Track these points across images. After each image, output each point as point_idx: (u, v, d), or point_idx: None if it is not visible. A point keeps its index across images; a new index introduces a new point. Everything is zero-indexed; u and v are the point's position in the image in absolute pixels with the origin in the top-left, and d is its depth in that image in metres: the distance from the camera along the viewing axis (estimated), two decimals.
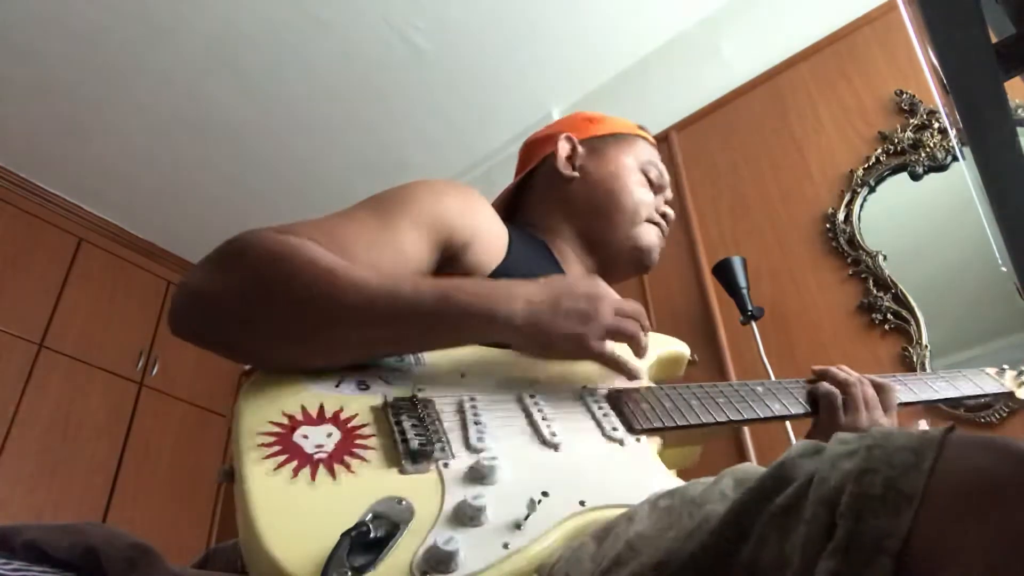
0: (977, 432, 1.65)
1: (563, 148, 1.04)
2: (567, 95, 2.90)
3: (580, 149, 1.05)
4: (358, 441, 0.58)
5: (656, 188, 1.06)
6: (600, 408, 0.71)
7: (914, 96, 2.12)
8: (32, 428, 2.80)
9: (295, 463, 0.54)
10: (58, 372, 2.97)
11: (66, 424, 2.91)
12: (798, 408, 0.81)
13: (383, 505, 0.51)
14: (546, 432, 0.64)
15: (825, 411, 0.81)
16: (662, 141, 2.66)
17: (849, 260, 2.06)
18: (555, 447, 0.63)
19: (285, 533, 0.49)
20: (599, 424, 0.69)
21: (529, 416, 0.67)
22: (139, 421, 3.17)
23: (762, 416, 0.76)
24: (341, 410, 0.61)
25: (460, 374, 0.71)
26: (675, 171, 2.58)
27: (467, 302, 0.66)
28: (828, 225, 2.14)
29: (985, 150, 0.49)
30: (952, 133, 1.86)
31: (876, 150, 2.13)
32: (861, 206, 2.12)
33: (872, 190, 2.13)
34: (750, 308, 1.97)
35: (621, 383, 0.76)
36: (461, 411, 0.65)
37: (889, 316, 1.91)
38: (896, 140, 2.10)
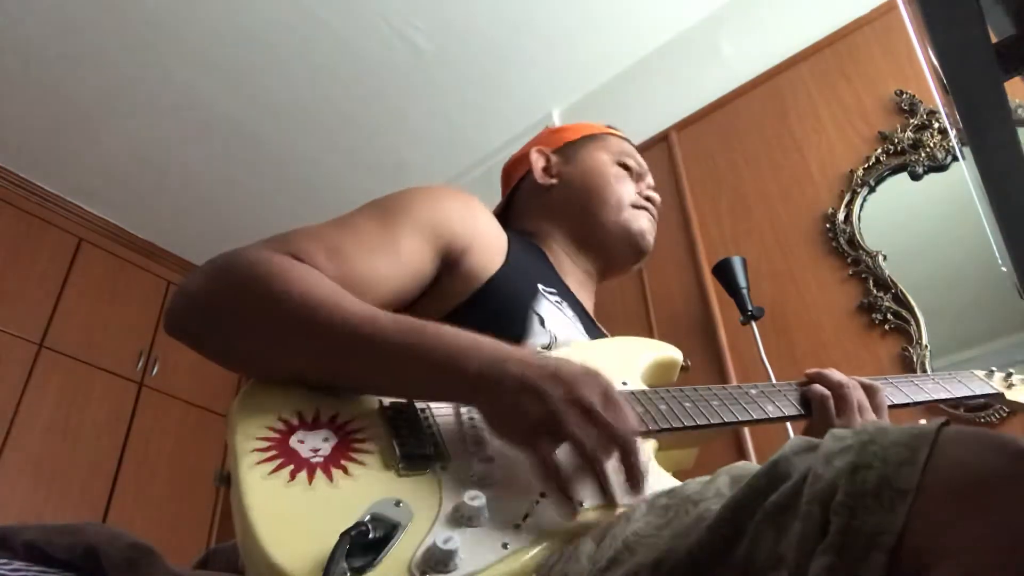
0: None
1: (537, 161, 1.07)
2: (567, 95, 2.90)
3: (554, 158, 1.08)
4: (355, 445, 0.58)
5: (636, 176, 1.07)
6: None
7: (914, 96, 2.12)
8: (32, 428, 2.80)
9: (291, 467, 0.54)
10: (58, 372, 2.97)
11: (66, 424, 2.91)
12: (791, 410, 0.82)
13: (381, 507, 0.51)
14: None
15: (818, 413, 0.82)
16: (662, 141, 2.66)
17: (849, 260, 2.06)
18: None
19: (283, 535, 0.49)
20: None
21: None
22: (139, 421, 3.17)
23: (755, 418, 0.77)
24: (337, 415, 0.61)
25: None
26: (675, 171, 2.58)
27: (431, 344, 0.59)
28: (828, 225, 2.14)
29: (985, 150, 0.49)
30: (952, 133, 1.86)
31: (876, 150, 2.13)
32: (861, 206, 2.11)
33: (872, 190, 2.13)
34: (750, 308, 1.97)
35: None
36: (458, 415, 0.65)
37: (889, 316, 1.91)
38: (896, 140, 2.10)
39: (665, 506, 0.48)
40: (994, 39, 0.46)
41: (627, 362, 0.83)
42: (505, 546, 0.51)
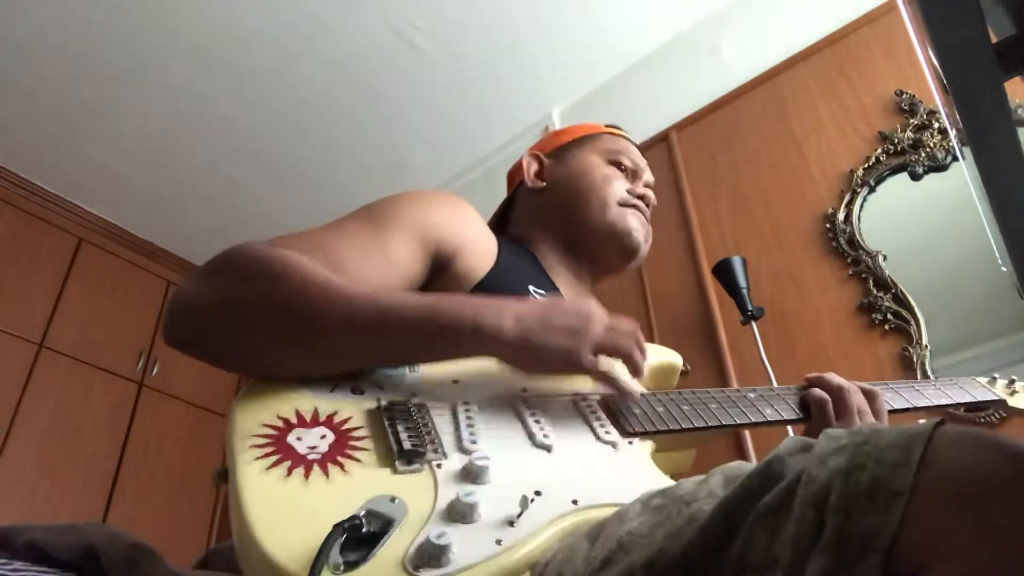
0: None
1: (529, 166, 1.08)
2: (567, 95, 2.90)
3: (547, 161, 1.08)
4: (352, 443, 0.58)
5: (630, 174, 1.06)
6: (593, 412, 0.72)
7: (914, 96, 2.12)
8: (32, 428, 2.80)
9: (288, 463, 0.54)
10: (58, 372, 2.97)
11: (66, 424, 2.91)
12: (790, 414, 0.82)
13: (376, 502, 0.52)
14: (539, 434, 0.65)
15: (816, 417, 0.82)
16: (662, 141, 2.66)
17: (849, 260, 2.06)
18: (548, 448, 0.64)
19: (278, 528, 0.49)
20: (592, 428, 0.69)
21: (522, 419, 0.68)
22: (139, 421, 3.17)
23: (753, 421, 0.77)
24: (335, 413, 0.61)
25: (453, 381, 0.71)
26: (675, 171, 2.58)
27: (454, 315, 0.66)
28: (828, 225, 2.14)
29: (985, 150, 0.49)
30: (952, 133, 1.86)
31: (876, 150, 2.13)
32: (861, 206, 2.11)
33: (872, 190, 2.13)
34: (750, 308, 1.97)
35: None
36: (454, 415, 0.65)
37: (889, 316, 1.91)
38: (896, 140, 2.10)
39: (659, 506, 0.48)
40: (994, 39, 0.46)
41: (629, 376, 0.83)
42: (499, 542, 0.51)
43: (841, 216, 2.11)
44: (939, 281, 1.93)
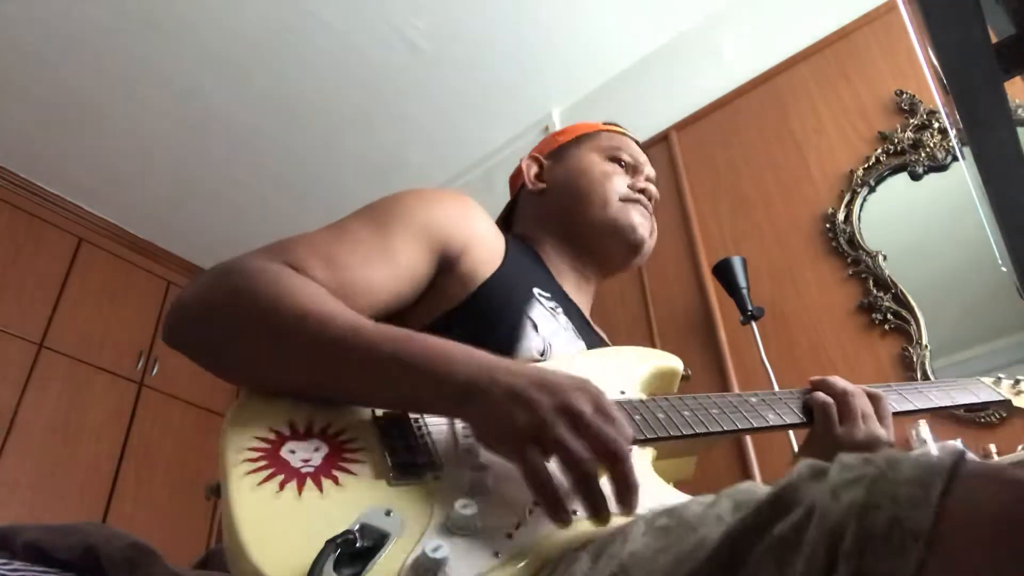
0: (977, 433, 1.65)
1: (529, 168, 1.07)
2: (567, 95, 2.90)
3: (547, 163, 1.08)
4: (346, 455, 0.57)
5: (630, 169, 1.05)
6: None
7: (914, 96, 2.12)
8: (32, 428, 2.80)
9: (281, 477, 0.53)
10: (58, 372, 2.97)
11: (66, 424, 2.91)
12: (793, 418, 0.80)
13: (371, 516, 0.50)
14: None
15: (820, 422, 0.80)
16: (662, 141, 2.66)
17: (849, 260, 2.06)
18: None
19: (270, 545, 0.48)
20: None
21: None
22: (139, 421, 3.17)
23: (756, 426, 0.76)
24: (329, 425, 0.60)
25: None
26: (675, 171, 2.58)
27: (415, 354, 0.59)
28: (828, 225, 2.14)
29: (985, 150, 0.49)
30: (952, 133, 1.85)
31: (876, 150, 2.13)
32: (861, 206, 2.12)
33: (872, 190, 2.13)
34: (750, 308, 1.97)
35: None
36: (451, 424, 0.64)
37: (889, 316, 1.91)
38: (896, 140, 2.10)
39: (664, 527, 0.47)
40: (994, 39, 0.46)
41: (625, 372, 0.82)
42: (496, 555, 0.50)
43: (841, 216, 2.11)
44: (939, 281, 1.93)
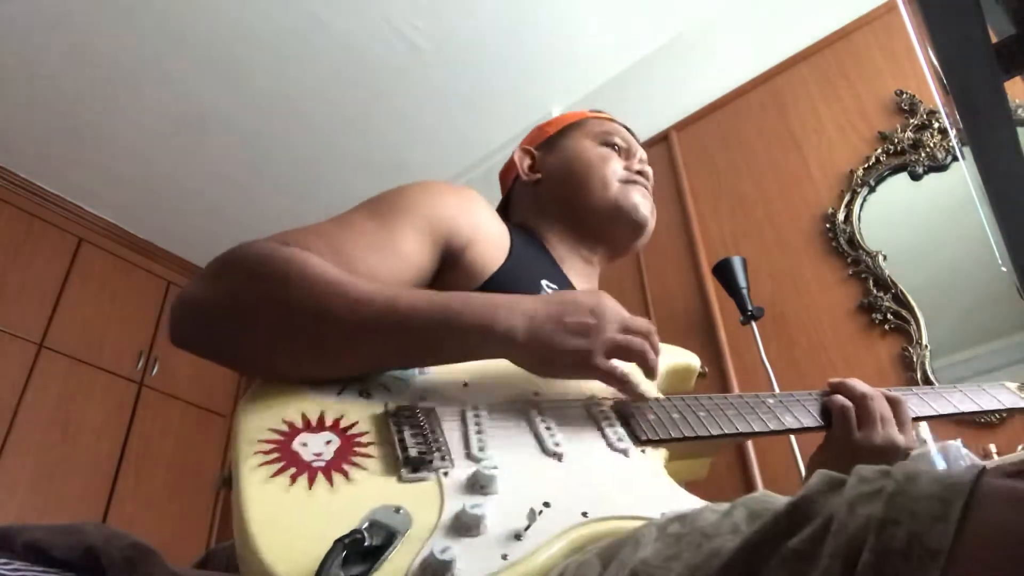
0: (977, 433, 1.65)
1: (521, 160, 1.07)
2: (567, 95, 2.90)
3: (538, 154, 1.07)
4: (357, 449, 0.57)
5: (624, 152, 1.05)
6: (606, 418, 0.69)
7: (914, 96, 2.12)
8: (32, 428, 2.80)
9: (293, 470, 0.53)
10: (58, 372, 2.97)
11: (66, 424, 2.91)
12: (810, 421, 0.78)
13: (380, 513, 0.50)
14: (549, 442, 0.63)
15: (839, 426, 0.79)
16: (662, 141, 2.66)
17: (849, 260, 2.06)
18: (558, 457, 0.62)
19: (279, 540, 0.48)
20: (604, 434, 0.67)
21: (532, 426, 0.66)
22: (139, 421, 3.17)
23: (772, 429, 0.74)
24: (341, 418, 0.60)
25: (463, 384, 0.69)
26: (675, 171, 2.59)
27: (465, 317, 0.64)
28: (828, 225, 2.14)
29: (985, 150, 0.49)
30: (952, 133, 1.86)
31: (876, 150, 2.13)
32: (861, 206, 2.12)
33: (872, 190, 2.13)
34: (750, 308, 1.97)
35: None
36: (463, 420, 0.64)
37: (889, 316, 1.91)
38: (896, 140, 2.10)
39: (677, 534, 0.46)
40: (994, 39, 0.46)
41: (642, 378, 0.81)
42: (505, 557, 0.49)
43: (841, 216, 2.11)
44: (939, 281, 1.93)
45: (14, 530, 0.54)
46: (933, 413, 0.86)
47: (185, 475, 3.22)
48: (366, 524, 0.49)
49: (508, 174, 1.12)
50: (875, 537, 0.35)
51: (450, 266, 0.80)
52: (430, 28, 2.63)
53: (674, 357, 0.88)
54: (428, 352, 0.66)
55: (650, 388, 0.73)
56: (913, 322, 1.87)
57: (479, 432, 0.62)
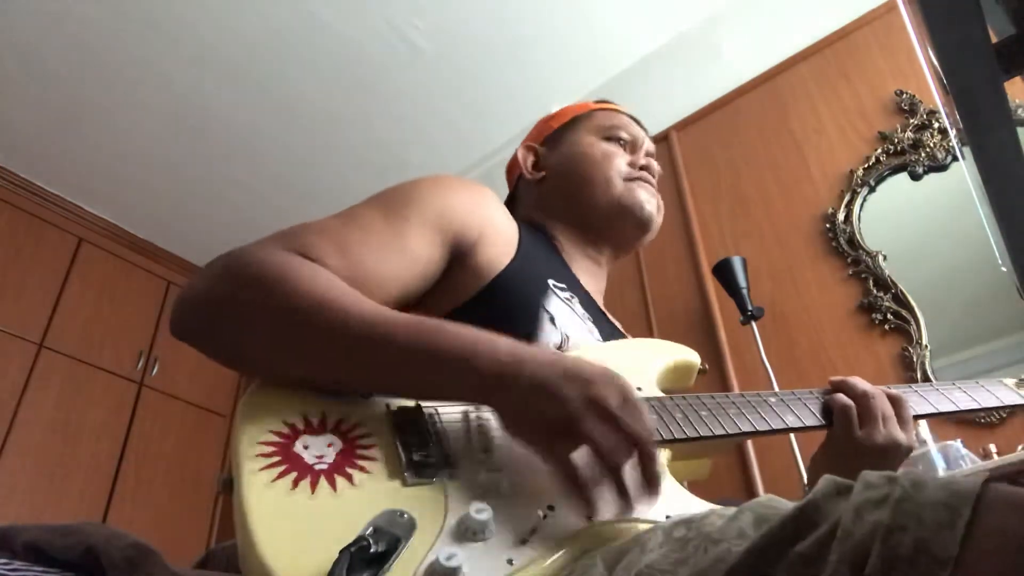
0: (977, 433, 1.65)
1: (525, 158, 1.06)
2: (567, 95, 2.90)
3: (541, 150, 1.05)
4: (360, 451, 0.56)
5: (629, 146, 1.02)
6: None
7: (914, 96, 2.12)
8: (32, 428, 2.80)
9: (295, 474, 0.53)
10: (58, 372, 2.97)
11: (66, 424, 2.91)
12: (812, 420, 0.78)
13: (384, 518, 0.50)
14: None
15: (840, 424, 0.78)
16: (662, 141, 2.66)
17: (849, 260, 2.06)
18: None
19: (283, 546, 0.48)
20: None
21: None
22: (139, 421, 3.16)
23: (775, 428, 0.74)
24: (343, 419, 0.59)
25: None
26: (675, 171, 2.58)
27: (443, 344, 0.58)
28: (828, 225, 2.14)
29: (985, 150, 0.49)
30: (952, 133, 1.85)
31: (876, 150, 2.13)
32: (861, 206, 2.12)
33: (872, 190, 2.13)
34: (750, 308, 1.97)
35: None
36: (466, 421, 0.63)
37: (889, 316, 1.91)
38: (896, 140, 2.10)
39: (683, 539, 0.46)
40: (994, 39, 0.46)
41: (642, 366, 0.80)
42: (510, 562, 0.49)
43: (841, 216, 2.11)
44: (939, 281, 1.93)
45: (14, 530, 0.54)
46: (933, 411, 0.85)
47: (185, 475, 3.22)
48: (370, 530, 0.48)
49: (512, 171, 1.11)
50: (882, 543, 0.35)
51: (459, 263, 0.78)
52: (430, 28, 2.63)
53: (675, 354, 0.88)
54: (400, 376, 0.60)
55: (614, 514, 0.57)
56: (913, 322, 1.87)
57: (482, 433, 0.61)
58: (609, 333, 0.90)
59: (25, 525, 0.54)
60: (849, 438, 0.77)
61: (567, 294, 0.86)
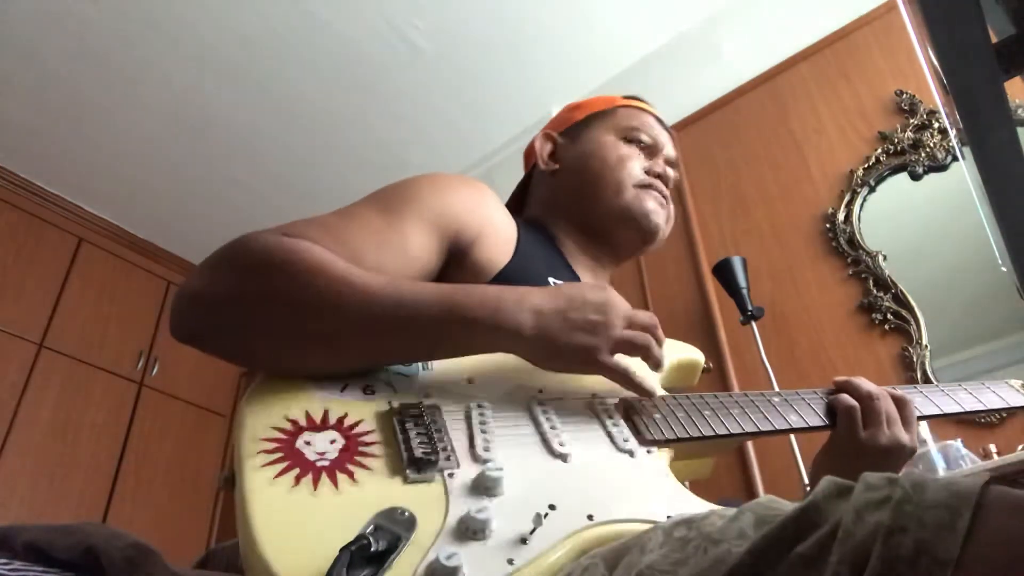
0: (977, 433, 1.65)
1: (543, 147, 1.03)
2: (567, 95, 2.90)
3: (561, 141, 1.03)
4: (362, 448, 0.57)
5: (648, 150, 1.00)
6: (611, 418, 0.69)
7: (914, 96, 2.12)
8: (32, 428, 2.80)
9: (297, 471, 0.53)
10: (58, 372, 2.97)
11: (66, 424, 2.91)
12: (815, 420, 0.77)
13: (385, 516, 0.50)
14: (555, 442, 0.63)
15: (843, 425, 0.77)
16: None
17: (849, 260, 2.06)
18: (563, 458, 0.61)
19: (285, 544, 0.48)
20: (609, 434, 0.67)
21: (538, 425, 0.65)
22: (139, 421, 3.17)
23: (778, 428, 0.73)
24: (346, 416, 0.59)
25: (468, 380, 0.69)
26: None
27: (472, 312, 0.64)
28: (828, 225, 2.14)
29: (985, 150, 0.49)
30: (952, 133, 1.85)
31: (876, 150, 2.13)
32: (861, 206, 2.12)
33: (872, 190, 2.13)
34: (750, 308, 1.97)
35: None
36: (468, 419, 0.63)
37: (889, 316, 1.91)
38: (896, 140, 2.10)
39: (683, 539, 0.46)
40: (994, 39, 0.46)
41: (645, 366, 0.80)
42: (511, 562, 0.49)
43: (841, 216, 2.11)
44: (939, 281, 1.93)
45: (14, 530, 0.54)
46: (938, 412, 0.85)
47: (185, 475, 3.22)
48: (371, 528, 0.48)
49: (529, 157, 1.09)
50: (882, 545, 0.35)
51: (457, 261, 0.78)
52: (430, 28, 2.63)
53: (678, 352, 0.88)
54: (434, 345, 0.66)
55: (654, 383, 0.73)
56: (913, 322, 1.87)
57: (484, 431, 0.62)
58: None
59: (25, 525, 0.54)
60: (853, 439, 0.77)
61: None
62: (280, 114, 2.92)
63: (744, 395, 0.76)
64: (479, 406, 0.65)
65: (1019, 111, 1.72)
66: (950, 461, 1.43)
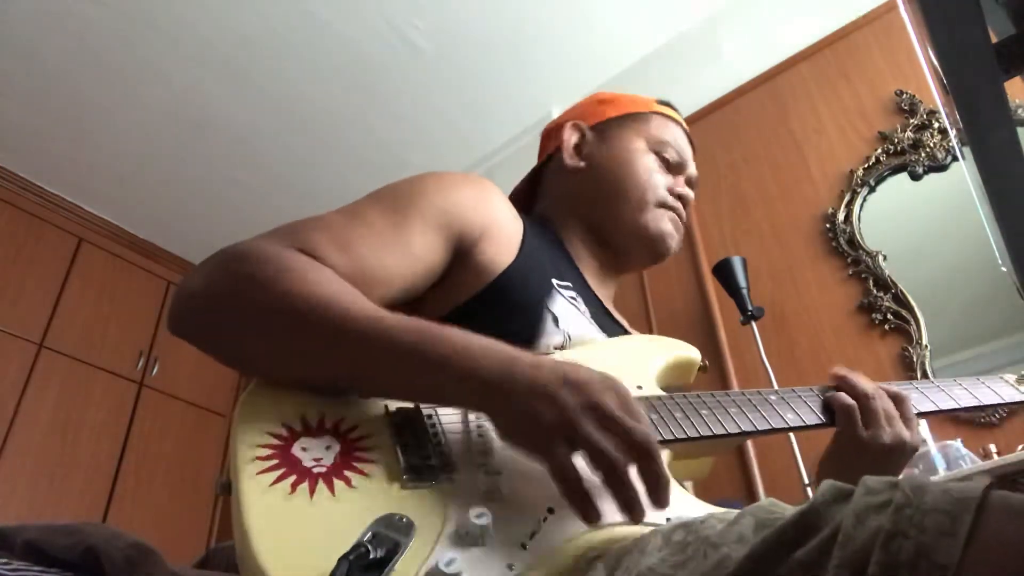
0: (977, 433, 1.65)
1: (571, 137, 0.99)
2: (567, 95, 2.90)
3: (589, 135, 0.99)
4: (358, 454, 0.56)
5: (673, 168, 0.98)
6: None
7: (914, 96, 2.12)
8: (32, 428, 2.80)
9: (293, 477, 0.52)
10: (58, 372, 2.97)
11: (66, 424, 2.91)
12: (813, 419, 0.77)
13: (383, 523, 0.49)
14: None
15: (843, 424, 0.77)
16: None
17: (849, 260, 2.06)
18: None
19: (282, 552, 0.47)
20: None
21: None
22: (139, 421, 3.17)
23: (775, 427, 0.73)
24: (342, 421, 0.58)
25: None
26: None
27: (442, 348, 0.57)
28: (828, 225, 2.14)
29: (985, 150, 0.49)
30: (952, 133, 1.85)
31: (876, 150, 2.13)
32: (861, 206, 2.12)
33: (872, 190, 2.13)
34: (750, 308, 1.97)
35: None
36: (466, 423, 0.62)
37: (889, 316, 1.91)
38: (896, 140, 2.10)
39: (683, 543, 0.46)
40: (994, 39, 0.46)
41: (641, 365, 0.79)
42: (510, 567, 0.49)
43: (841, 216, 2.11)
44: (939, 281, 1.93)
45: (14, 530, 0.54)
46: (934, 408, 0.84)
47: (185, 475, 3.22)
48: (369, 535, 0.48)
49: (549, 141, 1.04)
50: (882, 549, 0.35)
51: (461, 261, 0.77)
52: (430, 28, 2.63)
53: (675, 350, 0.87)
54: (404, 384, 0.60)
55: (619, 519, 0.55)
56: (913, 322, 1.87)
57: (481, 436, 0.61)
58: (614, 333, 0.88)
59: (25, 525, 0.54)
60: (854, 438, 0.76)
61: (571, 293, 0.85)
62: (280, 114, 2.92)
63: (741, 394, 0.76)
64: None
65: (1019, 111, 1.72)
66: (950, 461, 1.43)
